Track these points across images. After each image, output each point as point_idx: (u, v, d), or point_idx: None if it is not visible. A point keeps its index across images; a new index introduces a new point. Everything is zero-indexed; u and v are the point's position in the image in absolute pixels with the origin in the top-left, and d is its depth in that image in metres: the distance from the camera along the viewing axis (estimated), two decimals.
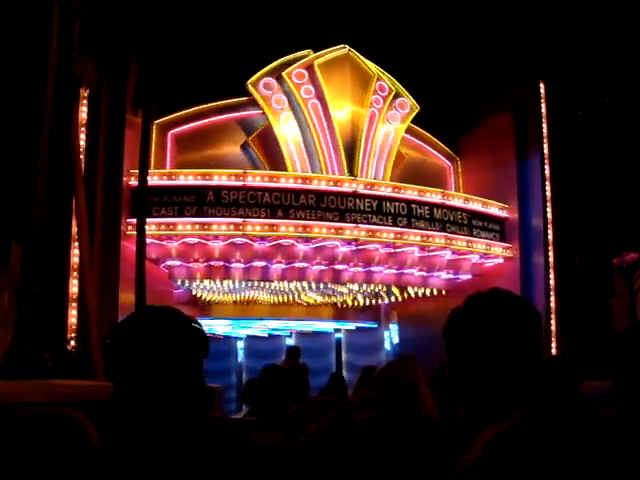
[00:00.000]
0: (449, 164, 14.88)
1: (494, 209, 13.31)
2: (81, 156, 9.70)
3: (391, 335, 17.12)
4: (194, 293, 14.00)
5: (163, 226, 10.84)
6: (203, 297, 14.49)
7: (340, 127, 12.45)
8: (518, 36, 12.84)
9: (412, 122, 14.02)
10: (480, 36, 13.40)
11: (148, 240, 10.88)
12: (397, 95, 13.41)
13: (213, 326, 15.97)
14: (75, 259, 9.08)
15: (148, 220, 10.72)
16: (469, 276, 13.80)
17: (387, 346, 17.43)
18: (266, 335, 18.59)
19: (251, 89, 12.44)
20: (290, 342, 18.93)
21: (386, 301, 15.86)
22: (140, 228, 9.44)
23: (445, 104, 14.24)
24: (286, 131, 12.39)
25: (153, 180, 11.06)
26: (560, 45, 12.69)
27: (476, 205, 12.98)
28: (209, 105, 12.68)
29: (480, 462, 1.47)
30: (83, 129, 9.94)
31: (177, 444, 1.89)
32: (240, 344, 19.43)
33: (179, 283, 12.45)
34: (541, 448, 1.41)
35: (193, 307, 14.83)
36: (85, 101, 10.01)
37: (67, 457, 1.71)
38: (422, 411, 3.46)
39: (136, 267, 9.12)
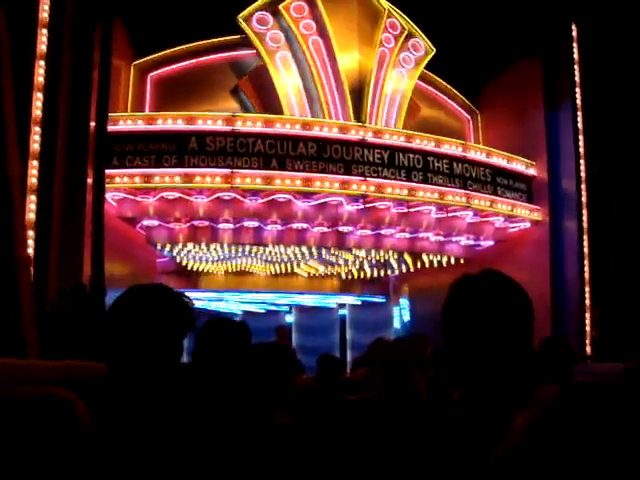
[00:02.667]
0: (468, 117, 13.22)
1: (520, 166, 11.66)
2: (39, 93, 8.14)
3: (401, 311, 15.47)
4: (179, 261, 12.40)
5: (138, 178, 9.22)
6: (190, 266, 12.88)
7: (345, 68, 10.79)
8: None
9: (427, 69, 12.38)
10: None
11: (121, 195, 9.35)
12: (410, 35, 11.73)
13: (203, 300, 14.41)
14: None
15: (120, 171, 9.20)
16: (491, 242, 12.20)
17: (396, 323, 15.81)
18: (263, 311, 17.05)
19: (243, 25, 10.75)
20: (290, 319, 17.44)
21: (396, 272, 14.23)
22: (98, 177, 7.91)
23: (464, 50, 12.57)
24: (283, 73, 10.73)
25: (126, 125, 9.47)
26: None
27: (500, 160, 11.32)
28: (194, 44, 11.06)
29: (528, 446, 1.43)
30: (42, 62, 8.33)
31: (167, 423, 1.92)
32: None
33: (159, 248, 10.86)
34: (591, 427, 1.40)
35: (179, 278, 13.28)
36: (45, 30, 8.38)
37: (57, 439, 1.72)
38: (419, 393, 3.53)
39: (93, 221, 7.59)
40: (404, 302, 15.24)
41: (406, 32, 11.56)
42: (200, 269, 13.17)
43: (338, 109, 10.58)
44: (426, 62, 11.93)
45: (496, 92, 12.88)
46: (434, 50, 11.96)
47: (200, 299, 14.53)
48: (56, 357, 4.96)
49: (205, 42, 11.06)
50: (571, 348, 4.27)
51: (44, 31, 8.15)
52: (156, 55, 10.91)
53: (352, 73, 10.92)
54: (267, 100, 10.68)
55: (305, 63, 10.72)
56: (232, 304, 15.85)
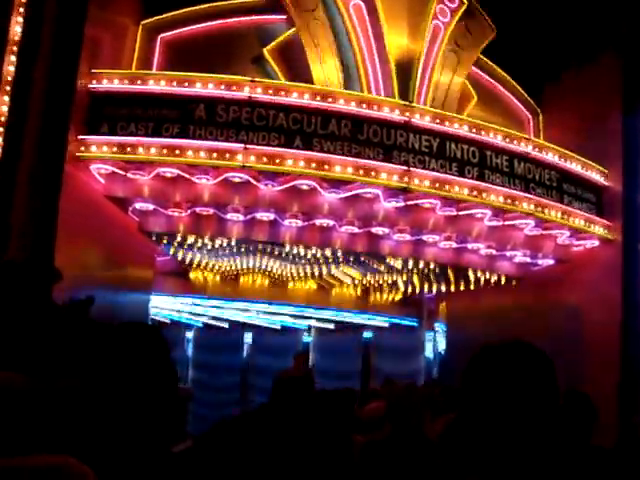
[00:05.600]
0: (529, 116, 11.36)
1: (593, 174, 9.75)
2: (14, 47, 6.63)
3: (435, 338, 13.44)
4: (180, 259, 10.60)
5: (129, 148, 7.49)
6: (193, 267, 11.07)
7: (391, 40, 9.02)
8: None
9: (485, 56, 10.60)
10: None
11: (109, 169, 7.63)
12: (469, 11, 9.95)
13: (208, 310, 12.63)
14: None
15: (109, 138, 7.53)
16: (551, 262, 10.25)
17: (428, 351, 13.79)
18: (278, 327, 15.20)
19: None
20: (308, 339, 15.57)
21: (433, 291, 12.28)
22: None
23: (528, 41, 10.75)
24: (317, 42, 8.99)
25: (123, 85, 7.78)
26: None
27: (573, 165, 9.42)
28: (214, 4, 9.34)
29: None
30: (22, 10, 6.80)
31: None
32: (247, 337, 16.10)
33: (154, 239, 9.07)
34: None
35: (181, 280, 11.49)
36: None
37: None
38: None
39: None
40: (439, 327, 13.23)
41: (464, 6, 9.78)
42: (204, 272, 11.35)
43: (380, 87, 8.80)
44: (485, 44, 10.13)
45: (562, 91, 10.99)
46: (495, 31, 10.15)
47: (202, 306, 12.76)
48: None
49: (227, 2, 9.38)
50: (592, 405, 4.15)
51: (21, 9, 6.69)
52: (169, 14, 9.24)
53: (398, 45, 9.18)
54: (296, 73, 8.92)
55: (344, 31, 8.99)
56: (239, 315, 14.01)
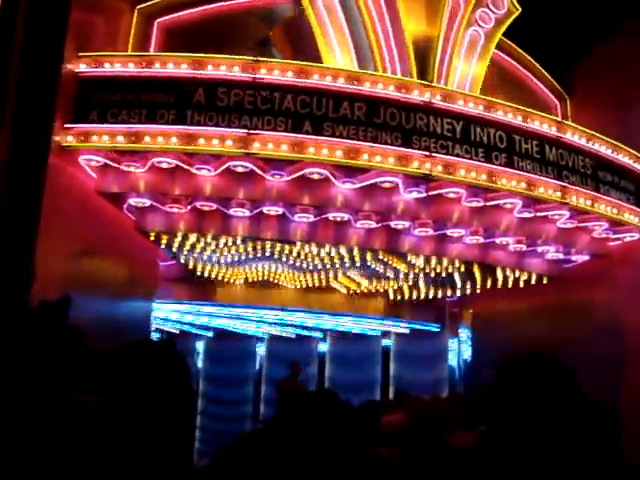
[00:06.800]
0: (555, 101, 10.58)
1: (631, 161, 8.92)
2: None
3: (460, 344, 12.57)
4: (184, 262, 9.85)
5: (122, 137, 6.78)
6: (200, 272, 10.32)
7: (408, 21, 8.29)
8: None
9: (509, 39, 9.85)
10: None
11: (100, 160, 6.93)
12: None
13: (219, 316, 11.88)
14: None
15: (100, 127, 6.81)
16: (586, 257, 9.41)
17: (452, 360, 12.91)
18: (293, 336, 14.42)
19: None
20: (324, 348, 14.79)
21: (457, 294, 11.44)
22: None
23: (552, 19, 9.99)
24: (327, 22, 8.27)
25: (113, 68, 7.08)
26: None
27: (609, 151, 8.60)
28: None
29: None
30: None
31: None
32: (260, 348, 15.36)
33: (152, 239, 8.34)
34: None
35: (188, 287, 10.76)
36: None
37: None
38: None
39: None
40: (464, 333, 12.36)
41: None
42: (213, 276, 10.59)
43: (397, 69, 8.06)
44: (508, 23, 9.36)
45: (592, 73, 10.23)
46: (519, 9, 9.39)
47: (214, 315, 12.02)
48: None
49: None
50: (617, 415, 4.01)
51: None
52: None
53: (416, 27, 8.43)
54: (304, 57, 8.15)
55: (356, 8, 8.26)
56: (254, 324, 13.25)
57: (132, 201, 7.45)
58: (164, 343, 2.52)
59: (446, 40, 8.48)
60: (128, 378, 1.98)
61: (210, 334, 14.60)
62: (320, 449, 2.88)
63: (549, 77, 10.49)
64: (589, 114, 10.17)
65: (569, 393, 1.80)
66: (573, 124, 8.48)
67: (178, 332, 14.58)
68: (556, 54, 10.35)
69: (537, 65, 10.35)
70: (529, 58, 10.26)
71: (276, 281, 11.02)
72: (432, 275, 10.21)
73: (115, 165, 7.04)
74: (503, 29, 9.31)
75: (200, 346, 15.15)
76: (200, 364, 14.78)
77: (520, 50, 10.15)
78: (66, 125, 6.77)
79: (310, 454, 2.85)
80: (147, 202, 7.45)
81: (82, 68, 7.01)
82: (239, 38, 8.50)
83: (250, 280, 10.96)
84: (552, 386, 1.79)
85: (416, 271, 9.99)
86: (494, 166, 7.45)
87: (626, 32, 9.54)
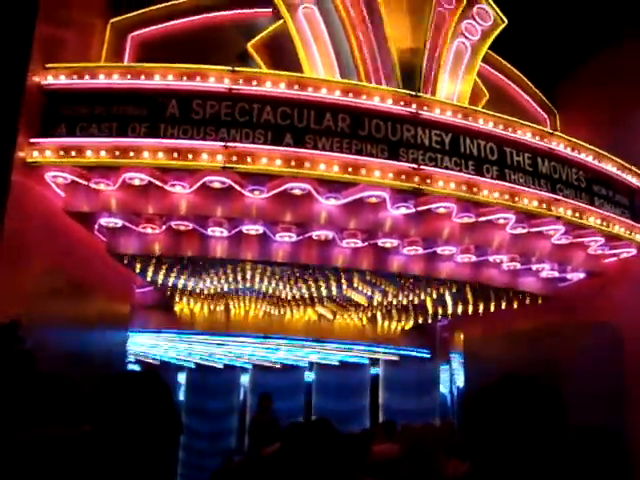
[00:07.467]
0: (544, 116, 10.31)
1: (625, 174, 8.61)
2: None
3: (452, 371, 12.08)
4: (160, 288, 9.35)
5: (91, 152, 6.35)
6: (177, 299, 9.82)
7: (392, 30, 7.99)
8: None
9: (496, 53, 9.60)
10: None
11: (69, 177, 6.51)
12: (475, 0, 8.95)
13: (196, 346, 11.34)
14: None
15: (68, 141, 6.40)
16: (581, 275, 9.04)
17: (443, 387, 12.41)
18: (278, 366, 13.89)
19: None
20: (310, 377, 14.27)
21: (448, 315, 10.99)
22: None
23: (537, 34, 9.75)
24: (308, 33, 7.95)
25: (83, 80, 6.68)
26: None
27: (603, 164, 8.27)
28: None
29: None
30: None
31: None
32: (245, 378, 14.81)
33: (125, 262, 7.86)
34: None
35: (164, 315, 10.25)
36: None
37: None
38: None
39: None
40: (456, 358, 11.89)
41: None
42: (189, 304, 10.09)
43: (382, 79, 7.73)
44: (495, 36, 9.10)
45: (582, 86, 9.98)
46: (505, 22, 9.14)
47: (191, 344, 11.49)
48: None
49: None
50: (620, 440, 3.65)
51: None
52: (141, 12, 8.23)
53: (401, 37, 8.13)
54: (285, 69, 7.81)
55: (338, 20, 7.96)
56: (236, 353, 12.72)
57: (103, 221, 7.00)
58: (149, 373, 2.39)
59: (432, 51, 8.19)
60: (113, 408, 1.93)
61: (192, 365, 14.04)
62: (316, 476, 2.80)
63: (538, 92, 10.23)
64: (578, 129, 9.87)
65: (547, 413, 1.72)
66: (565, 135, 8.14)
67: (159, 363, 14.02)
68: (544, 69, 10.11)
69: (525, 79, 10.09)
70: (517, 72, 10.00)
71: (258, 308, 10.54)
72: (423, 296, 9.76)
73: (84, 183, 6.60)
74: (489, 42, 9.04)
75: (182, 378, 14.58)
76: (182, 396, 14.19)
77: (508, 64, 9.89)
78: (32, 140, 6.35)
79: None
80: (119, 222, 7.00)
81: (49, 80, 6.61)
82: (217, 52, 8.12)
83: (232, 307, 10.47)
84: (527, 407, 1.70)
85: (406, 292, 9.55)
86: (485, 179, 7.09)
87: (615, 47, 9.32)
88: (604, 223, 7.98)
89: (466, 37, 8.71)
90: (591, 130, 9.46)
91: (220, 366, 14.12)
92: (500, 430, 1.70)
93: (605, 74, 9.53)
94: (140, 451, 1.88)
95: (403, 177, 6.70)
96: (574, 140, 8.08)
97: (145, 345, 11.97)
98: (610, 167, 8.33)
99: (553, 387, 1.78)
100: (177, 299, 9.82)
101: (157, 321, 10.48)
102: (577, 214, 7.69)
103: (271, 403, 9.31)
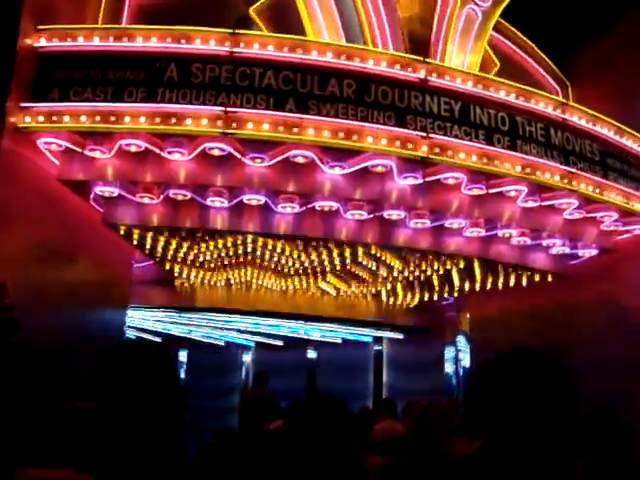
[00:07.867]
0: (557, 88, 9.97)
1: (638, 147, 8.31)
2: None
3: (457, 351, 11.86)
4: (160, 263, 9.10)
5: (86, 117, 6.08)
6: (177, 273, 9.57)
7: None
8: None
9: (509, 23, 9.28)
10: None
11: (63, 144, 6.24)
12: None
13: (201, 327, 11.13)
14: None
15: (61, 105, 6.12)
16: (593, 252, 8.77)
17: (448, 367, 12.20)
18: (281, 343, 13.70)
19: None
20: (312, 355, 14.08)
21: (453, 296, 10.74)
22: None
23: (551, 7, 9.40)
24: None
25: (76, 43, 6.39)
26: None
27: (617, 137, 7.97)
28: None
29: None
30: None
31: None
32: (247, 356, 14.63)
33: (122, 233, 7.61)
34: None
35: (166, 291, 10.03)
36: None
37: None
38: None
39: None
40: (462, 338, 11.65)
41: None
42: (192, 279, 9.85)
43: (389, 46, 7.42)
44: (507, 2, 8.74)
45: (597, 57, 9.63)
46: None
47: (194, 321, 11.29)
48: None
49: None
50: (617, 420, 3.96)
51: None
52: None
53: (409, 4, 7.81)
54: (289, 34, 7.53)
55: None
56: (237, 331, 12.50)
57: (99, 190, 6.74)
58: (156, 345, 2.08)
59: (441, 17, 7.87)
60: (119, 379, 1.89)
61: (194, 341, 13.86)
62: (320, 453, 2.76)
63: (550, 62, 9.90)
64: (591, 102, 9.56)
65: (556, 388, 1.68)
66: (578, 105, 7.84)
67: (160, 341, 13.83)
68: (558, 40, 9.77)
69: (538, 50, 9.76)
70: (530, 43, 9.68)
71: (260, 283, 10.29)
72: (430, 272, 9.50)
73: (79, 150, 6.34)
74: (502, 7, 8.69)
75: (183, 356, 14.40)
76: (183, 374, 14.02)
77: (520, 34, 9.57)
78: (23, 104, 6.08)
79: (310, 457, 2.75)
80: (115, 191, 6.74)
81: (42, 43, 6.33)
82: (218, 17, 7.82)
83: (233, 283, 10.23)
84: (536, 380, 1.67)
85: (411, 269, 9.30)
86: (496, 149, 6.81)
87: (631, 21, 8.99)
88: (617, 197, 7.71)
89: (477, 4, 8.37)
90: (603, 104, 9.16)
91: (222, 344, 13.94)
92: (507, 403, 1.65)
93: (620, 49, 9.20)
94: (144, 427, 1.84)
95: (411, 146, 6.42)
96: (591, 112, 7.78)
97: (144, 320, 11.77)
98: (625, 140, 8.04)
99: (557, 360, 1.73)
100: (176, 273, 9.58)
101: (155, 297, 10.26)
102: (597, 190, 7.43)
103: (267, 382, 9.10)
